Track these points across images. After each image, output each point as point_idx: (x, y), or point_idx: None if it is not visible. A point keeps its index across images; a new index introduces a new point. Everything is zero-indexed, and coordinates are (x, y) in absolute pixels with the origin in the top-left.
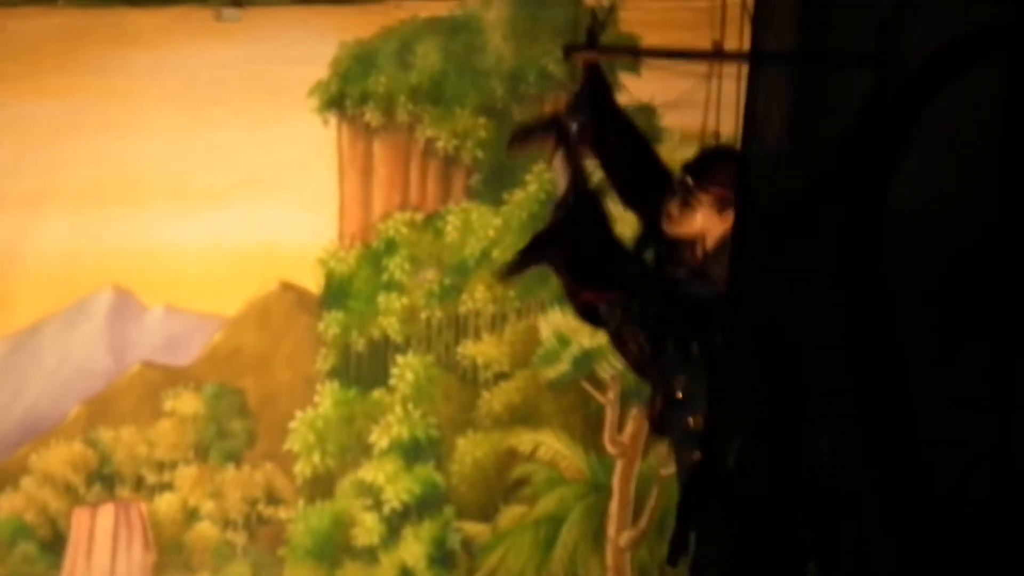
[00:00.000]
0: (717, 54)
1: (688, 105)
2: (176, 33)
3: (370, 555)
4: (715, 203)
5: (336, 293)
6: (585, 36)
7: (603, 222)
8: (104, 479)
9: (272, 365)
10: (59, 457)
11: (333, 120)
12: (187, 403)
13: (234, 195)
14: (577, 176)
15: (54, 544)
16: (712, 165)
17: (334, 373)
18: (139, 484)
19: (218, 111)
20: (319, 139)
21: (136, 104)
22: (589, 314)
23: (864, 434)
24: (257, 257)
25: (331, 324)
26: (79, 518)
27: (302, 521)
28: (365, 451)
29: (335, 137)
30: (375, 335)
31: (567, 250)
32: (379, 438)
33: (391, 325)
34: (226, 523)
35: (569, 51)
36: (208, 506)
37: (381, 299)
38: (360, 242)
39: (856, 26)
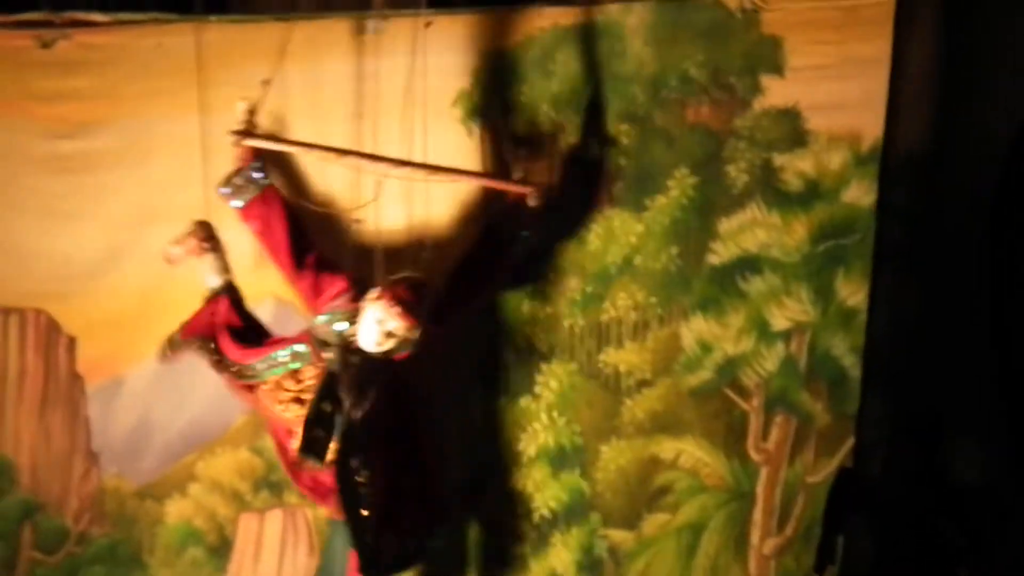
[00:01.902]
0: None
1: (834, 108)
2: (321, 45)
3: (520, 562)
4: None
5: None
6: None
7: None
8: (271, 486)
9: None
10: (226, 465)
11: (476, 130)
12: None
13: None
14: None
15: (221, 549)
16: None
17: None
18: None
19: (365, 123)
20: (464, 148)
21: (284, 118)
22: None
23: (1011, 436)
24: None
25: None
26: (246, 523)
27: None
28: (514, 459)
29: (479, 146)
30: (521, 344)
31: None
32: (527, 446)
33: (535, 334)
34: None
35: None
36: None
37: (526, 307)
38: None
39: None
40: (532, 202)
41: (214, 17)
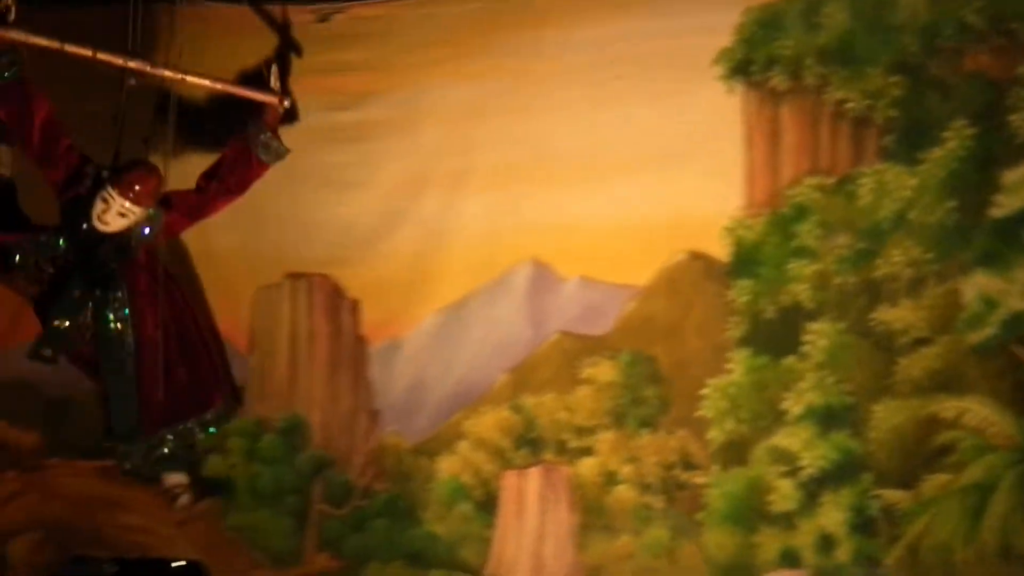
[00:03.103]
0: None
1: None
2: (583, 10)
3: (787, 521)
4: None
5: (745, 261)
6: None
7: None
8: (530, 443)
9: (683, 333)
10: (489, 423)
11: (739, 87)
12: (604, 371)
13: (643, 167)
14: None
15: (487, 504)
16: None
17: (744, 341)
18: (562, 448)
19: (625, 85)
20: (724, 107)
21: (547, 83)
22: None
23: None
24: (666, 227)
25: (741, 292)
26: (509, 480)
27: (717, 486)
28: (778, 418)
29: (741, 104)
30: (785, 302)
31: None
32: (792, 405)
33: (802, 292)
34: (644, 487)
35: None
36: (626, 470)
37: (791, 266)
38: (769, 209)
39: None
40: (280, 109)
41: None
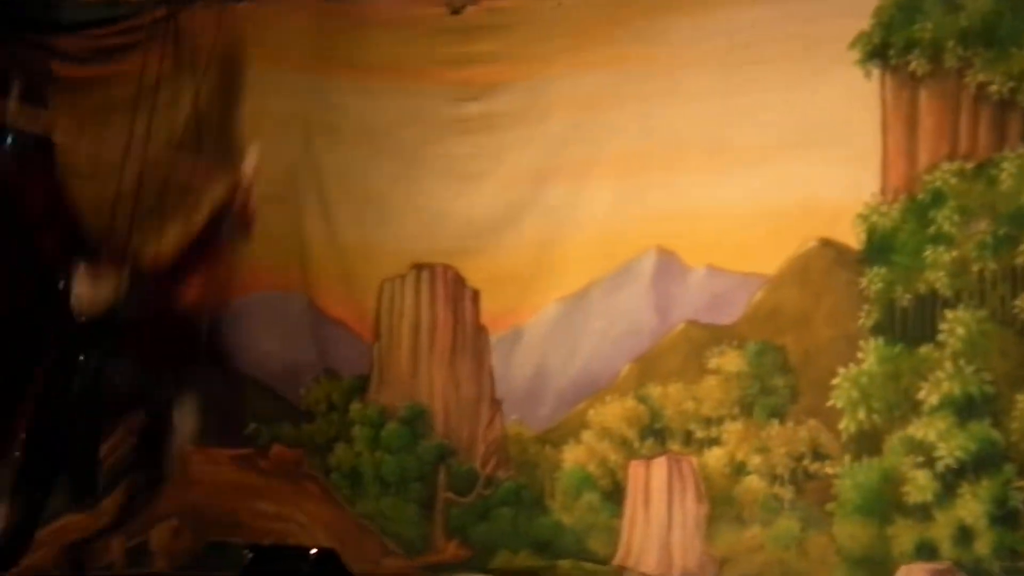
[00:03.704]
0: None
1: None
2: None
3: (923, 512)
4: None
5: (879, 248)
6: None
7: None
8: (656, 433)
9: (813, 322)
10: (614, 412)
11: (876, 71)
12: (731, 360)
13: (774, 154)
14: None
15: (614, 494)
16: None
17: (878, 329)
18: (688, 439)
19: (756, 71)
20: (860, 92)
21: (676, 71)
22: None
23: None
24: (797, 215)
25: (874, 280)
26: (635, 470)
27: (849, 477)
28: (913, 408)
29: (878, 89)
30: (921, 290)
31: None
32: (928, 394)
33: (939, 279)
34: (773, 477)
35: None
36: (755, 461)
37: (928, 253)
38: (905, 195)
39: None
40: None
41: None
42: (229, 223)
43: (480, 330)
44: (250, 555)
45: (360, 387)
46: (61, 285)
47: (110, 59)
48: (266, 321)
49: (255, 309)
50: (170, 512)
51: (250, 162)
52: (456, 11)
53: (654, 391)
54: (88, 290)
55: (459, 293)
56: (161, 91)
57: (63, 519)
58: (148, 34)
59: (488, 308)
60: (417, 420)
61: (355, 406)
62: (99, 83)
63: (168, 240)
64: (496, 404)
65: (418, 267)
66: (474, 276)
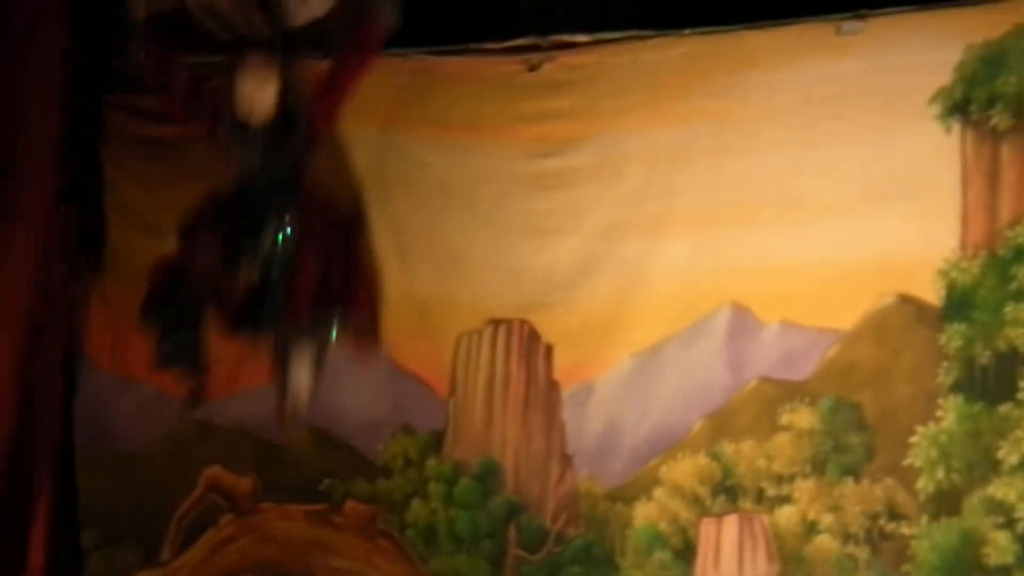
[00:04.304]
0: None
1: None
2: (793, 51)
3: (1003, 574)
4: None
5: (958, 304)
6: None
7: None
8: (727, 491)
9: (890, 379)
10: (686, 469)
11: (956, 127)
12: (804, 417)
13: (850, 209)
14: None
15: (684, 552)
16: None
17: (957, 387)
18: (760, 496)
19: (833, 125)
20: (940, 147)
21: (751, 125)
22: None
23: None
24: (874, 270)
25: (953, 337)
26: (706, 528)
27: (927, 538)
28: (993, 467)
29: (958, 144)
30: (1001, 347)
31: None
32: (1008, 454)
33: (1019, 336)
34: (846, 537)
35: None
36: (827, 519)
37: (1009, 309)
38: (985, 251)
39: None
40: None
41: (688, 30)
42: None
43: (552, 385)
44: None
45: (435, 443)
46: None
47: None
48: (342, 376)
49: (330, 364)
50: (245, 567)
51: None
52: (533, 68)
53: (726, 448)
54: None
55: (533, 348)
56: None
57: None
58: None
59: (561, 363)
60: (489, 476)
61: (431, 462)
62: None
63: None
64: (567, 459)
65: (495, 322)
66: (548, 331)
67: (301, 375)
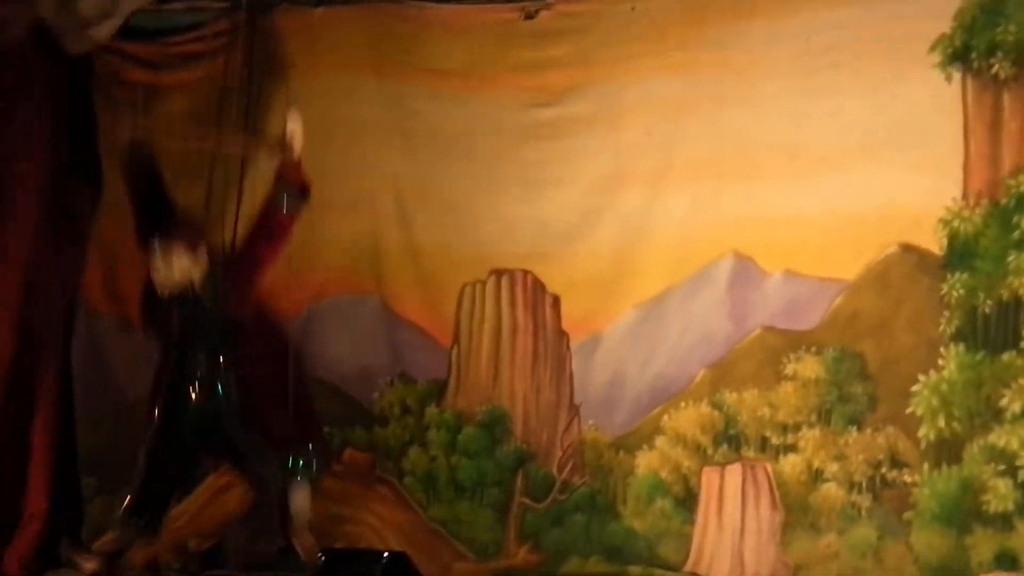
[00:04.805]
0: None
1: None
2: (791, 0)
3: (1004, 522)
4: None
5: (961, 254)
6: None
7: None
8: (730, 440)
9: (892, 329)
10: (688, 418)
11: (957, 75)
12: (810, 367)
13: (851, 159)
14: None
15: (686, 500)
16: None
17: (959, 336)
18: (763, 445)
19: (833, 75)
20: (941, 96)
21: (751, 74)
22: None
23: None
24: (876, 220)
25: (955, 286)
26: (709, 477)
27: (928, 485)
28: (995, 416)
29: (959, 92)
30: (1004, 296)
31: None
32: (1011, 402)
33: (1022, 285)
34: (850, 485)
35: None
36: (832, 468)
37: (1011, 258)
38: (987, 199)
39: None
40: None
41: None
42: (285, 193)
43: (560, 335)
44: (322, 558)
45: (436, 391)
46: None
47: (187, 65)
48: (338, 325)
49: (326, 314)
50: (243, 514)
51: (293, 127)
52: (530, 16)
53: (729, 397)
54: (166, 266)
55: (539, 299)
56: (239, 96)
57: None
58: (228, 40)
59: (568, 314)
60: (496, 425)
61: (431, 410)
62: (177, 89)
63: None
64: (574, 409)
65: (497, 272)
66: (552, 282)
67: (299, 501)
